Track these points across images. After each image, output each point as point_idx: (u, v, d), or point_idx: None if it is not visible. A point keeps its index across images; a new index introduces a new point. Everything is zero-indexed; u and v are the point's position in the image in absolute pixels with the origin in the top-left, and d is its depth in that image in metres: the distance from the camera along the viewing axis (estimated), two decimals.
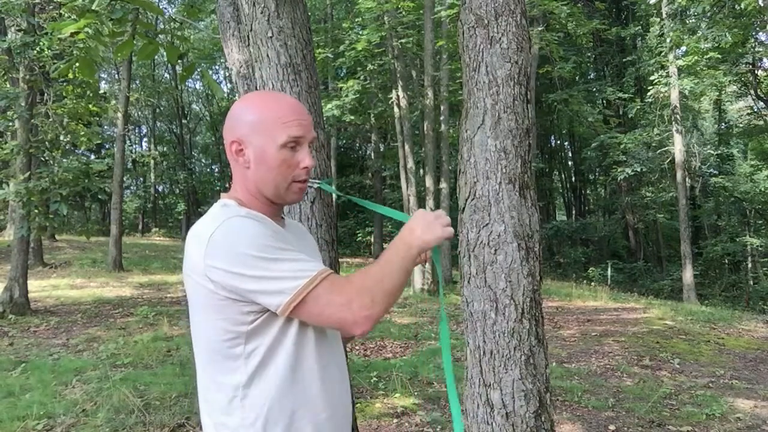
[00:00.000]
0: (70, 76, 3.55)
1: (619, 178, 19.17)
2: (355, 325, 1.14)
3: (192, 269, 1.18)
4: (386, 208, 1.59)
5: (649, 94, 17.95)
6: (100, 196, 19.54)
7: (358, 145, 28.49)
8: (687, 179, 17.51)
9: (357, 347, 7.10)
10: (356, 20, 16.03)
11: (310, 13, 5.64)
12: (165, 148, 32.53)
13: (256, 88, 2.52)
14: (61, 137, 9.28)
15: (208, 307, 1.17)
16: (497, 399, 2.20)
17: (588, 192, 29.83)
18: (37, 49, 8.44)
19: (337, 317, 1.14)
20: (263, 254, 1.12)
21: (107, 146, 24.63)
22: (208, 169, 34.66)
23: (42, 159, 9.73)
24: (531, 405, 2.18)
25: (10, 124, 9.60)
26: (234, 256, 1.12)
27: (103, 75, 27.40)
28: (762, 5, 13.77)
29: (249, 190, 1.28)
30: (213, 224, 1.17)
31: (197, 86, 31.63)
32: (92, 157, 19.64)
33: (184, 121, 31.67)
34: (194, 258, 1.17)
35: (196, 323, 1.23)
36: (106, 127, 23.98)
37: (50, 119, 9.05)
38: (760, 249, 20.05)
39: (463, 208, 2.32)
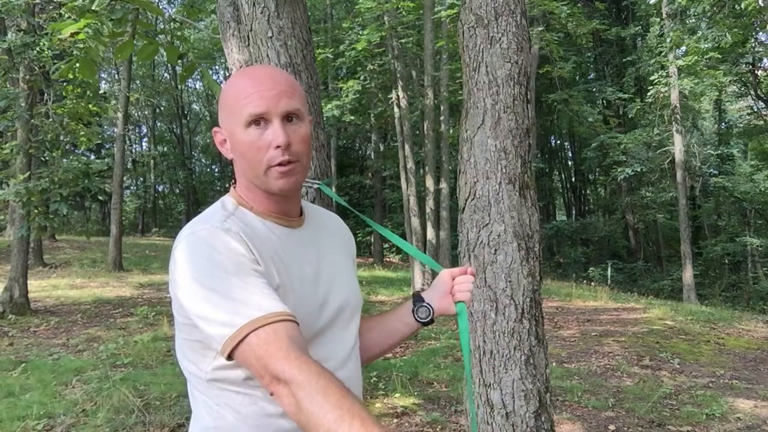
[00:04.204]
0: (71, 76, 3.55)
1: (619, 178, 19.17)
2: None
3: (170, 274, 1.06)
4: (398, 237, 1.49)
5: (649, 94, 17.95)
6: (100, 196, 19.56)
7: (358, 145, 28.47)
8: (687, 179, 17.52)
9: None
10: (356, 20, 16.02)
11: (310, 13, 5.65)
12: (165, 148, 32.54)
13: None
14: (61, 137, 9.28)
15: (180, 324, 1.08)
16: (497, 399, 2.20)
17: (588, 192, 29.83)
18: (37, 49, 8.45)
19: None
20: (213, 285, 0.97)
21: (107, 146, 24.63)
22: (208, 169, 34.68)
23: (42, 159, 9.72)
24: (531, 405, 2.18)
25: (10, 124, 9.61)
26: (186, 281, 0.99)
27: (103, 75, 27.43)
28: (762, 5, 13.77)
29: (243, 182, 1.13)
30: (188, 230, 1.05)
31: (197, 86, 31.66)
32: (92, 157, 19.64)
33: (184, 121, 31.69)
34: (170, 264, 1.06)
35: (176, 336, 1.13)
36: (106, 127, 23.97)
37: (50, 119, 9.05)
38: (760, 249, 20.04)
39: (463, 208, 2.32)
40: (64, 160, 9.71)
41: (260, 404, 1.07)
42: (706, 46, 15.86)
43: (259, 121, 1.05)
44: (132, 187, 32.22)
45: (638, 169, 18.26)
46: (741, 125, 23.89)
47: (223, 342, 0.95)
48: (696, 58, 15.66)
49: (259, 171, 1.07)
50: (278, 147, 1.05)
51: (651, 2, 18.45)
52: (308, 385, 0.87)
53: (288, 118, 1.07)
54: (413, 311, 1.30)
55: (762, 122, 21.57)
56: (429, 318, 1.29)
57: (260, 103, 1.05)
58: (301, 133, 1.09)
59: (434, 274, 1.40)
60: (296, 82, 1.15)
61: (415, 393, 5.21)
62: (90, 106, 9.71)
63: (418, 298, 1.31)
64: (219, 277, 0.97)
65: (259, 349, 0.92)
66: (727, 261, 21.58)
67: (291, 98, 1.08)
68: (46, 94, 9.34)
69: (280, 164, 1.06)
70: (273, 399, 0.98)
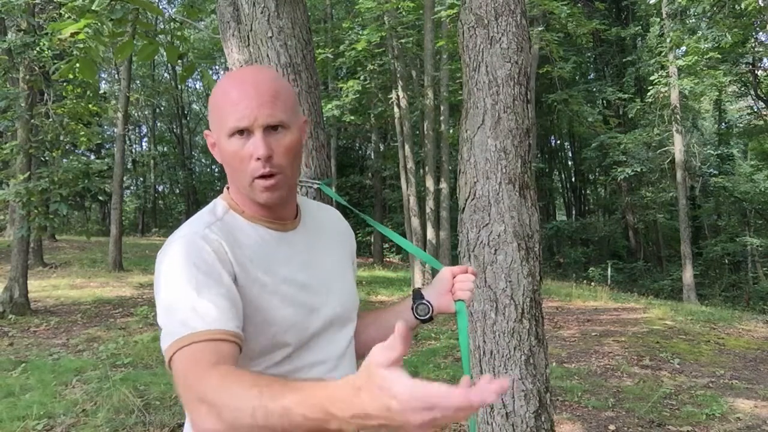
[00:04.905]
0: (71, 76, 3.55)
1: (619, 178, 19.18)
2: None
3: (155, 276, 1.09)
4: (398, 236, 1.48)
5: (649, 94, 17.96)
6: (100, 196, 19.56)
7: (358, 145, 28.48)
8: (687, 179, 17.52)
9: None
10: (356, 20, 16.03)
11: (310, 13, 5.65)
12: (165, 148, 32.55)
13: None
14: (61, 137, 9.28)
15: None
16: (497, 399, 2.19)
17: (588, 192, 29.84)
18: (37, 49, 8.45)
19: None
20: (174, 297, 0.98)
21: (107, 146, 24.64)
22: (208, 169, 34.66)
23: (42, 159, 9.72)
24: (531, 405, 2.18)
25: (10, 124, 9.61)
26: (158, 289, 1.02)
27: (103, 75, 27.44)
28: (762, 5, 13.77)
29: (233, 187, 1.13)
30: (175, 235, 1.07)
31: (197, 86, 31.67)
32: (92, 157, 19.64)
33: (184, 121, 31.69)
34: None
35: None
36: (106, 127, 23.98)
37: (50, 119, 9.05)
38: (760, 249, 20.04)
39: (463, 208, 2.32)
40: (64, 160, 9.72)
41: None
42: (706, 46, 15.87)
43: (242, 131, 1.04)
44: (132, 187, 32.22)
45: (638, 169, 18.27)
46: (741, 125, 23.89)
47: (164, 351, 0.95)
48: (696, 58, 15.66)
49: (245, 181, 1.06)
50: (258, 159, 1.03)
51: (651, 2, 18.46)
52: (220, 384, 0.84)
53: (272, 127, 1.05)
54: (413, 308, 1.28)
55: (762, 122, 21.57)
56: (428, 316, 1.28)
57: (242, 115, 1.02)
58: (285, 143, 1.06)
59: (435, 275, 1.38)
60: (282, 86, 1.10)
61: None
62: (90, 106, 9.71)
63: (418, 295, 1.30)
64: (182, 290, 0.97)
65: (183, 366, 0.91)
66: (727, 261, 21.58)
67: (273, 109, 1.04)
68: (46, 94, 9.34)
69: (262, 177, 1.04)
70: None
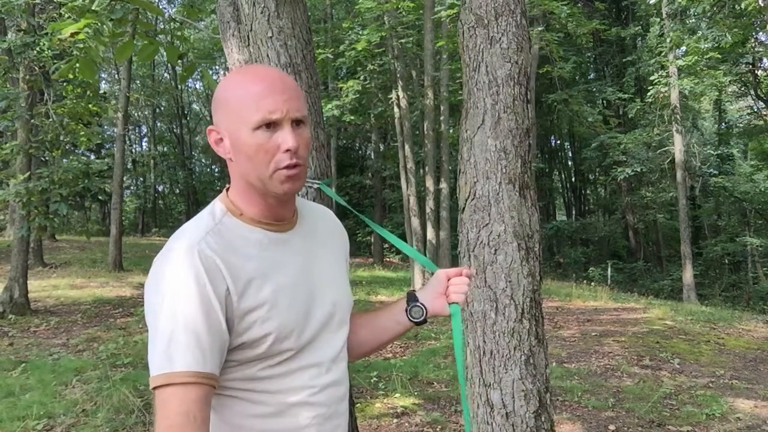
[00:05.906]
0: (71, 76, 3.55)
1: (619, 178, 19.18)
2: None
3: (146, 283, 1.09)
4: (395, 237, 1.49)
5: (649, 94, 17.96)
6: (100, 196, 19.57)
7: (358, 145, 28.48)
8: (687, 179, 17.52)
9: None
10: (356, 20, 16.02)
11: (310, 13, 5.65)
12: (165, 148, 32.53)
13: None
14: (61, 137, 9.27)
15: None
16: (497, 399, 2.20)
17: (588, 192, 29.83)
18: (37, 49, 8.45)
19: None
20: (161, 323, 0.99)
21: (107, 146, 24.62)
22: (208, 169, 34.65)
23: (42, 159, 9.72)
24: (531, 405, 2.18)
25: (10, 124, 9.60)
26: (147, 306, 1.02)
27: (103, 75, 27.41)
28: (762, 5, 13.77)
29: (239, 184, 1.12)
30: (171, 243, 1.06)
31: (197, 86, 31.64)
32: (92, 157, 19.63)
33: (184, 121, 31.67)
34: (150, 271, 1.08)
35: None
36: (106, 127, 23.96)
37: (50, 119, 9.05)
38: (760, 249, 20.03)
39: (463, 208, 2.32)
40: (64, 160, 9.72)
41: (240, 406, 1.08)
42: (706, 46, 15.87)
43: (270, 124, 1.05)
44: (132, 187, 32.19)
45: (638, 169, 18.28)
46: (741, 125, 23.89)
47: (150, 378, 0.99)
48: (696, 58, 15.66)
49: (265, 174, 1.06)
50: (287, 151, 1.05)
51: (651, 2, 18.47)
52: None
53: (296, 121, 1.07)
54: (407, 311, 1.28)
55: (762, 122, 21.57)
56: (422, 318, 1.28)
57: (275, 107, 1.04)
58: (306, 137, 1.10)
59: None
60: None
61: (415, 393, 5.21)
62: (90, 106, 9.71)
63: (412, 298, 1.30)
64: (169, 316, 0.99)
65: (158, 405, 0.97)
66: (727, 261, 21.58)
67: (299, 103, 1.09)
68: (46, 94, 9.34)
69: (287, 167, 1.06)
70: (254, 402, 1.07)
